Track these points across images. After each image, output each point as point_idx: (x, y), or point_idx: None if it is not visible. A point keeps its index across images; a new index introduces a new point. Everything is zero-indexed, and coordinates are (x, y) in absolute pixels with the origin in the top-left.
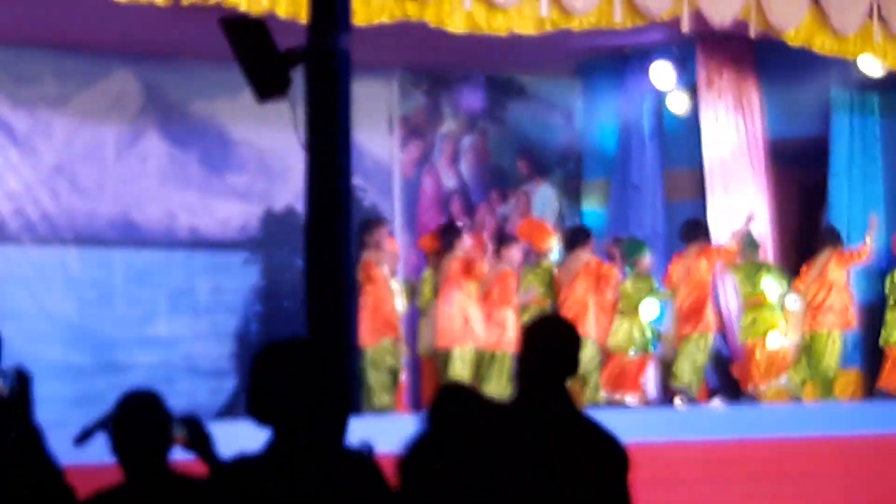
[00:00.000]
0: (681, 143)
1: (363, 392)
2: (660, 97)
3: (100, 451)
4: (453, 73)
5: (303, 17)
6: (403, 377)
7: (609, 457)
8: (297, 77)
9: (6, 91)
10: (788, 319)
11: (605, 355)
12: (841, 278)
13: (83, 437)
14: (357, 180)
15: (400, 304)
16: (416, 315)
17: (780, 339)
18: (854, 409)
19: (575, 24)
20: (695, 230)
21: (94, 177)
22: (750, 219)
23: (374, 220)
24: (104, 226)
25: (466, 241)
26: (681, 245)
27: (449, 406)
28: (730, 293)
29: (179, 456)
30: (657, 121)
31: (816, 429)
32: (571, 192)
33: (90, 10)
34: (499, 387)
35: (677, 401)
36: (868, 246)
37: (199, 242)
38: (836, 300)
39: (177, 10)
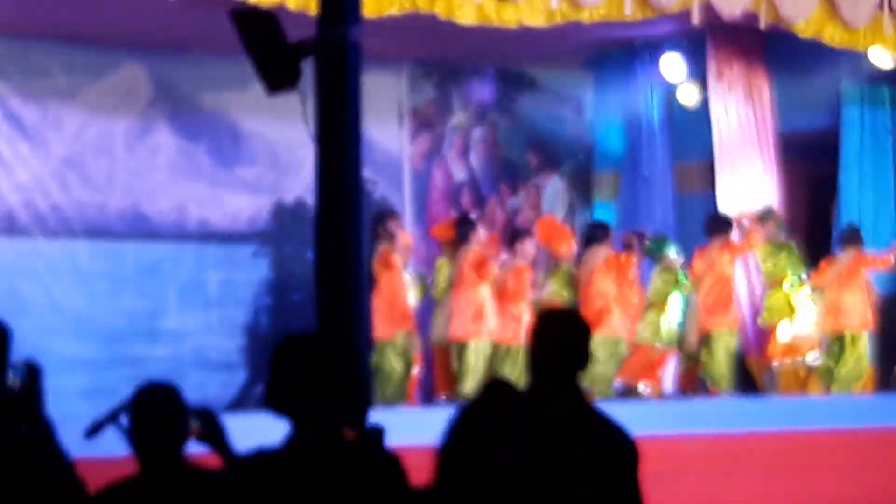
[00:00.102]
0: (691, 135)
1: (375, 384)
2: (670, 89)
3: (110, 444)
4: (463, 66)
5: (312, 8)
6: (416, 370)
7: (618, 450)
8: (307, 69)
9: (16, 84)
10: (802, 310)
11: (632, 347)
12: (863, 279)
13: (94, 430)
14: (367, 173)
15: (412, 296)
16: (428, 306)
17: (791, 329)
18: (866, 402)
19: (585, 16)
20: (718, 224)
21: (104, 169)
22: (776, 217)
23: (387, 213)
24: (114, 218)
25: (481, 234)
26: (691, 237)
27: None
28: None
29: (193, 449)
30: (667, 113)
31: (827, 422)
32: (582, 184)
33: (100, 3)
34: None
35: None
36: (894, 254)
37: (209, 235)
38: (858, 301)
39: (186, 2)
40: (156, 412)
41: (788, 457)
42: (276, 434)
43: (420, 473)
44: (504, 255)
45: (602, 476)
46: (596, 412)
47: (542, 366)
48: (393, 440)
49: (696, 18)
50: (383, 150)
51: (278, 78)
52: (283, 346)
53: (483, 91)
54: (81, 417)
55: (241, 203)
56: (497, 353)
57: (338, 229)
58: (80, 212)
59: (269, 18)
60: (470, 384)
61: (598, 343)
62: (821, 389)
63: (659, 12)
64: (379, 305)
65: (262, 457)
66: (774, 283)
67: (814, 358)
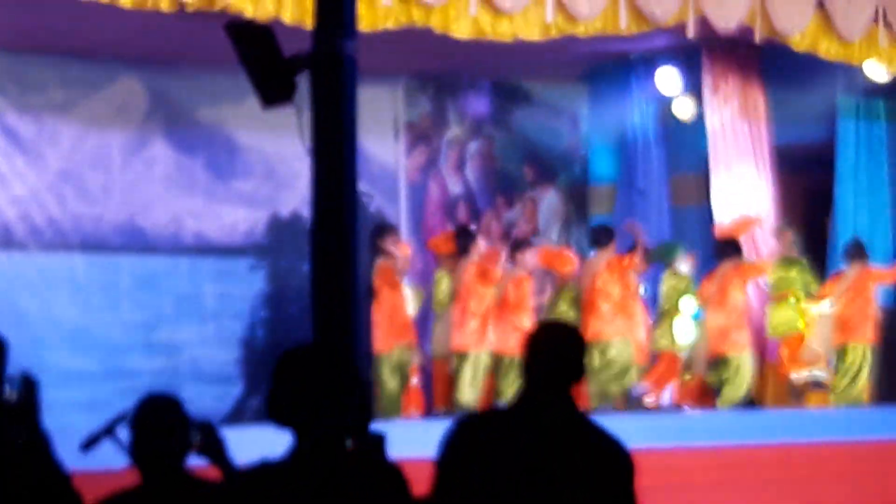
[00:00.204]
0: (686, 148)
1: (374, 397)
2: (665, 103)
3: (107, 457)
4: (459, 79)
5: (308, 22)
6: (414, 381)
7: (613, 461)
8: (303, 83)
9: (12, 98)
10: (812, 323)
11: (652, 354)
12: (870, 293)
13: (90, 443)
14: (363, 186)
15: (411, 308)
16: (426, 318)
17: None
18: (863, 414)
19: (580, 31)
20: (728, 248)
21: (100, 183)
22: (788, 241)
23: (386, 227)
24: (110, 231)
25: (481, 246)
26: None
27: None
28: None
29: (193, 462)
30: (663, 126)
31: (825, 434)
32: (577, 197)
33: (95, 17)
34: (515, 392)
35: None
36: None
37: (205, 248)
38: (864, 315)
39: (182, 16)
40: (158, 423)
41: (784, 470)
42: (272, 447)
43: (420, 486)
44: (504, 266)
45: (596, 487)
46: (591, 424)
47: (536, 377)
48: (392, 453)
49: (691, 32)
50: (379, 163)
51: (274, 91)
52: (285, 358)
53: (479, 104)
54: (78, 430)
55: (237, 216)
56: (499, 364)
57: (334, 242)
58: (77, 225)
59: (265, 32)
60: (469, 395)
61: (602, 348)
62: (821, 403)
63: (654, 26)
64: (379, 319)
65: (264, 468)
66: (780, 297)
67: (821, 375)
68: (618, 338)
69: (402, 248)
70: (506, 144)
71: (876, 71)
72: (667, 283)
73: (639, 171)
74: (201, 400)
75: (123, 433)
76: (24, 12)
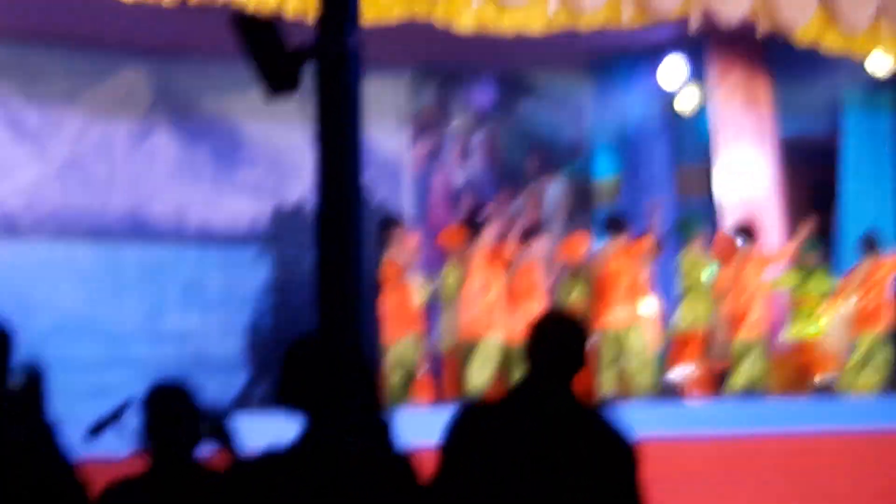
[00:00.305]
0: (691, 140)
1: (384, 387)
2: (669, 95)
3: (112, 445)
4: (463, 71)
5: (310, 16)
6: (421, 372)
7: (615, 451)
8: (308, 73)
9: (17, 87)
10: (831, 324)
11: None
12: (882, 285)
13: (95, 431)
14: (367, 176)
15: (418, 299)
16: (433, 309)
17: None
18: (869, 404)
19: (583, 23)
20: (745, 234)
21: (104, 172)
22: (809, 228)
23: (393, 219)
24: (115, 221)
25: (490, 233)
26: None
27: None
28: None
29: (203, 449)
30: (668, 118)
31: (829, 423)
32: (581, 188)
33: (100, 7)
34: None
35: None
36: None
37: (209, 237)
38: (879, 305)
39: (187, 6)
40: (168, 410)
41: (789, 459)
42: (278, 434)
43: (429, 473)
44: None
45: (600, 476)
46: (594, 412)
47: (539, 366)
48: (401, 441)
49: (694, 24)
50: (383, 154)
51: (279, 82)
52: (295, 345)
53: (483, 96)
54: (83, 418)
55: (241, 206)
56: (509, 352)
57: (338, 232)
58: (82, 214)
59: (269, 24)
60: (478, 380)
61: (617, 337)
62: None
63: (657, 19)
64: (387, 311)
65: (273, 455)
66: (800, 303)
67: (831, 378)
68: (633, 326)
69: (410, 239)
70: (510, 136)
71: (880, 64)
72: (686, 260)
73: (643, 163)
74: (206, 388)
75: (131, 420)
76: (30, 2)
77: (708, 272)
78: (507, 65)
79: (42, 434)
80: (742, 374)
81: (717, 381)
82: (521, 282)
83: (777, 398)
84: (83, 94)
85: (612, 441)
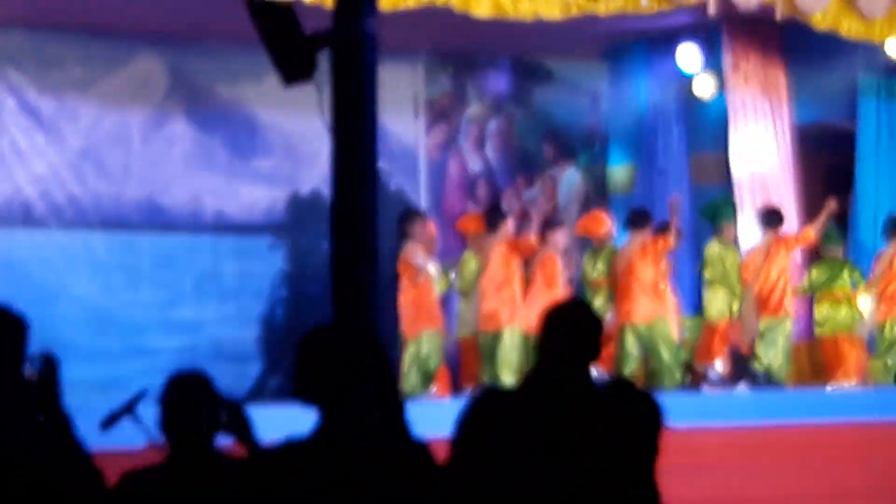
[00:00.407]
0: (707, 127)
1: (402, 381)
2: (686, 81)
3: (126, 436)
4: (479, 57)
5: (328, 2)
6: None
7: (637, 414)
8: (323, 60)
9: (32, 75)
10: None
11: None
12: None
13: (109, 422)
14: (383, 164)
15: (437, 288)
16: (450, 298)
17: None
18: (882, 394)
19: (601, 8)
20: (772, 218)
21: (119, 161)
22: (831, 208)
23: (413, 211)
24: (130, 210)
25: (510, 225)
26: (706, 228)
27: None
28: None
29: (220, 440)
30: (684, 104)
31: (842, 414)
32: (597, 176)
33: None
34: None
35: (705, 385)
36: None
37: (225, 226)
38: None
39: None
40: (187, 400)
41: (802, 450)
42: (292, 425)
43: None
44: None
45: (617, 459)
46: (611, 395)
47: (554, 355)
48: (418, 432)
49: (712, 10)
50: (399, 141)
51: (294, 69)
52: (311, 336)
53: (499, 82)
54: (98, 409)
55: (257, 194)
56: (529, 343)
57: (353, 221)
58: (96, 203)
59: (286, 9)
60: (506, 374)
61: (638, 330)
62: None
63: (675, 4)
64: (405, 304)
65: (290, 446)
66: (826, 295)
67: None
68: (659, 319)
69: (429, 229)
70: (526, 122)
71: None
72: (711, 251)
73: (659, 150)
74: (221, 378)
75: (148, 411)
76: None
77: (732, 262)
78: (523, 51)
79: (58, 423)
80: (765, 354)
81: (742, 367)
82: (541, 273)
83: (796, 389)
84: (98, 82)
85: (635, 403)
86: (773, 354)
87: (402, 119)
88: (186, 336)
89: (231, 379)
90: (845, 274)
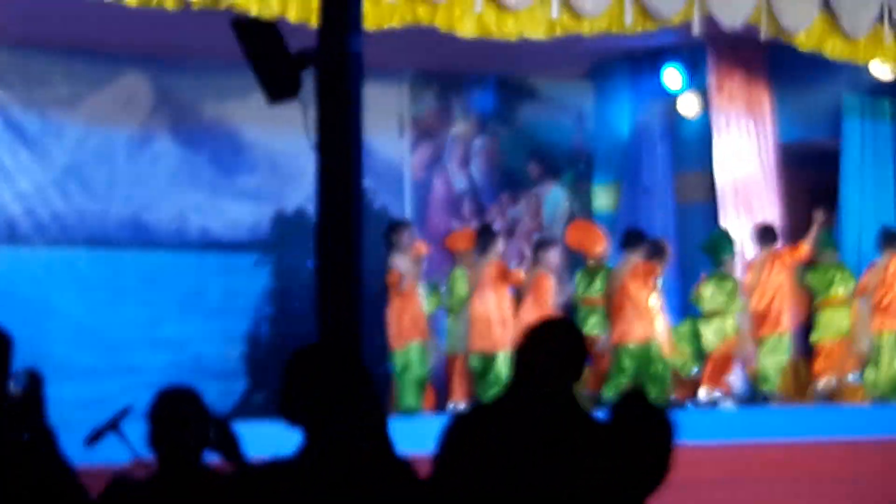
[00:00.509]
0: (692, 145)
1: (391, 394)
2: (671, 100)
3: (110, 452)
4: (464, 75)
5: (313, 21)
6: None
7: (614, 456)
8: (308, 79)
9: (17, 92)
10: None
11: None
12: None
13: (94, 438)
14: (368, 182)
15: (426, 306)
16: (437, 315)
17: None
18: (868, 412)
19: (586, 28)
20: (766, 235)
21: (104, 178)
22: (820, 220)
23: (400, 223)
24: (115, 227)
25: (500, 245)
26: (691, 246)
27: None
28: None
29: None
30: (668, 123)
31: (829, 432)
32: (582, 193)
33: (101, 12)
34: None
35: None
36: None
37: (209, 244)
38: None
39: (188, 12)
40: (176, 415)
41: (789, 467)
42: (277, 442)
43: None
44: (527, 264)
45: (597, 482)
46: (590, 418)
47: (533, 372)
48: (408, 448)
49: (696, 29)
50: (384, 159)
51: (279, 88)
52: (296, 357)
53: (484, 101)
54: (82, 425)
55: (241, 212)
56: None
57: (338, 238)
58: (82, 220)
59: (271, 28)
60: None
61: (633, 351)
62: (856, 399)
63: (660, 24)
64: (391, 318)
65: (275, 466)
66: (825, 303)
67: (853, 378)
68: (650, 340)
69: (418, 246)
70: (511, 141)
71: (882, 69)
72: (711, 286)
73: (644, 168)
74: (205, 395)
75: (133, 427)
76: (30, 7)
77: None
78: (508, 70)
79: (43, 439)
80: (770, 368)
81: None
82: (533, 291)
83: (790, 405)
84: (84, 100)
85: (613, 446)
86: (774, 371)
87: (387, 137)
88: (171, 353)
89: (215, 396)
90: (837, 278)
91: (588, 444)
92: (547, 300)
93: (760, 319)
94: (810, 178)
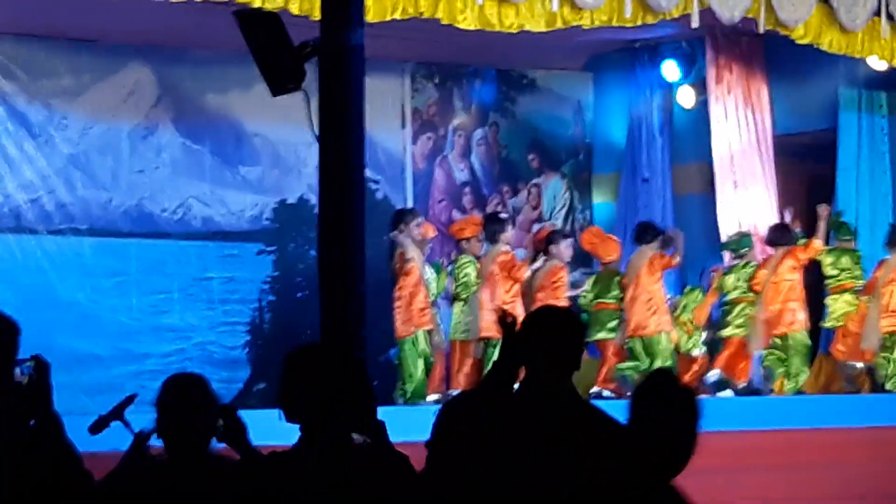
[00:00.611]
0: (690, 137)
1: (397, 382)
2: (669, 91)
3: (114, 440)
4: (465, 67)
5: (316, 13)
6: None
7: (608, 443)
8: (311, 70)
9: (22, 83)
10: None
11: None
12: None
13: (98, 426)
14: (369, 173)
15: (432, 289)
16: (441, 304)
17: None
18: (868, 400)
19: (585, 21)
20: (780, 234)
21: (108, 168)
22: (825, 215)
23: (408, 211)
24: (119, 216)
25: (510, 233)
26: (689, 237)
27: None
28: None
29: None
30: (667, 115)
31: (828, 421)
32: (581, 184)
33: (105, 4)
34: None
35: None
36: None
37: (212, 233)
38: None
39: (191, 4)
40: (184, 401)
41: (787, 455)
42: (278, 430)
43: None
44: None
45: (590, 466)
46: (590, 406)
47: (535, 367)
48: (413, 436)
49: (695, 22)
50: (386, 150)
51: (282, 79)
52: (293, 358)
53: (484, 92)
54: (87, 413)
55: (244, 202)
56: None
57: (341, 228)
58: (86, 210)
59: (274, 19)
60: None
61: (648, 342)
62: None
63: (659, 16)
64: (398, 305)
65: (276, 458)
66: (838, 288)
67: (861, 367)
68: (663, 332)
69: (427, 230)
70: (511, 132)
71: (878, 61)
72: (735, 274)
73: (642, 159)
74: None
75: (137, 415)
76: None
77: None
78: (509, 61)
79: (49, 426)
80: (796, 365)
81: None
82: (544, 284)
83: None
84: (88, 90)
85: (610, 431)
86: (800, 366)
87: (388, 128)
88: (174, 341)
89: (218, 384)
90: (850, 263)
91: (581, 431)
92: (559, 292)
93: (776, 319)
94: (806, 170)
